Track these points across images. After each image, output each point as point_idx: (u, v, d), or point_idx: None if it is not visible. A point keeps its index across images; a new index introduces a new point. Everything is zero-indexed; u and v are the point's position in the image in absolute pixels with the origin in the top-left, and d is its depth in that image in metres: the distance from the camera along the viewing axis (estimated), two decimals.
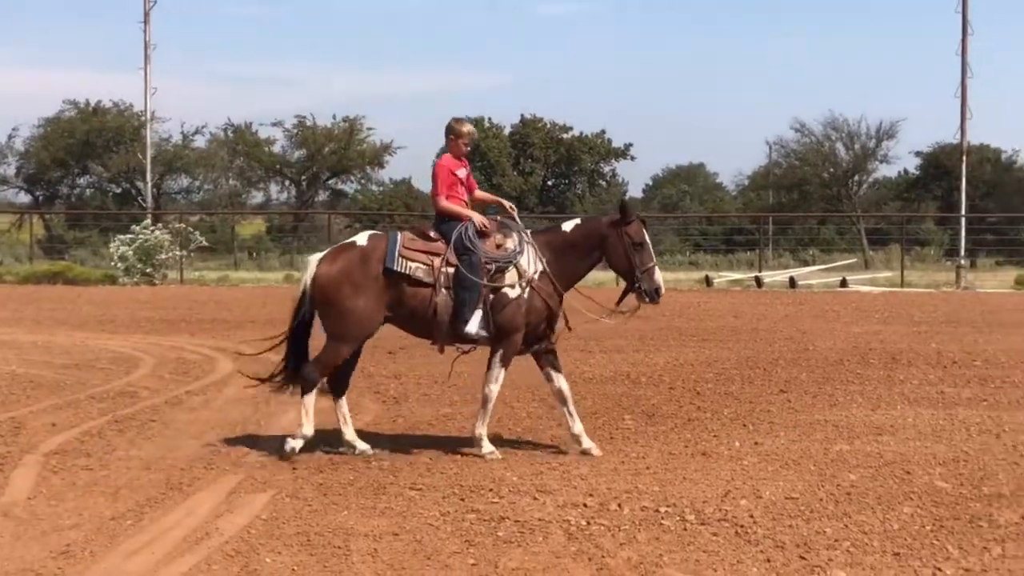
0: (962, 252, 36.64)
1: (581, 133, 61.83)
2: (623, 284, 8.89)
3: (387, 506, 7.01)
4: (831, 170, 61.05)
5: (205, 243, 37.14)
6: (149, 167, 45.75)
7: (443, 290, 8.43)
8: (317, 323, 8.74)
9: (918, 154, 61.03)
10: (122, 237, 32.50)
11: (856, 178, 61.64)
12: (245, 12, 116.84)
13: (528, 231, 8.79)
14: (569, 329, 8.98)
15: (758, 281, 32.04)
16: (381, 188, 60.50)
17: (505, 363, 8.60)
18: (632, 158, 63.50)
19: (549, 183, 62.95)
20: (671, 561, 5.94)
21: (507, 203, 9.18)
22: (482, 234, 8.60)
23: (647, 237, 8.70)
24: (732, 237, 52.04)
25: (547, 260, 8.61)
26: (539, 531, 6.46)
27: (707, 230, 55.62)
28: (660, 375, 12.73)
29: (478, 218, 8.66)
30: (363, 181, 62.82)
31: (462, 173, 8.93)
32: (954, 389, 11.77)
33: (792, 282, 31.87)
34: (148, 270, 31.82)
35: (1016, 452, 8.65)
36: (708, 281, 32.60)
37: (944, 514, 6.84)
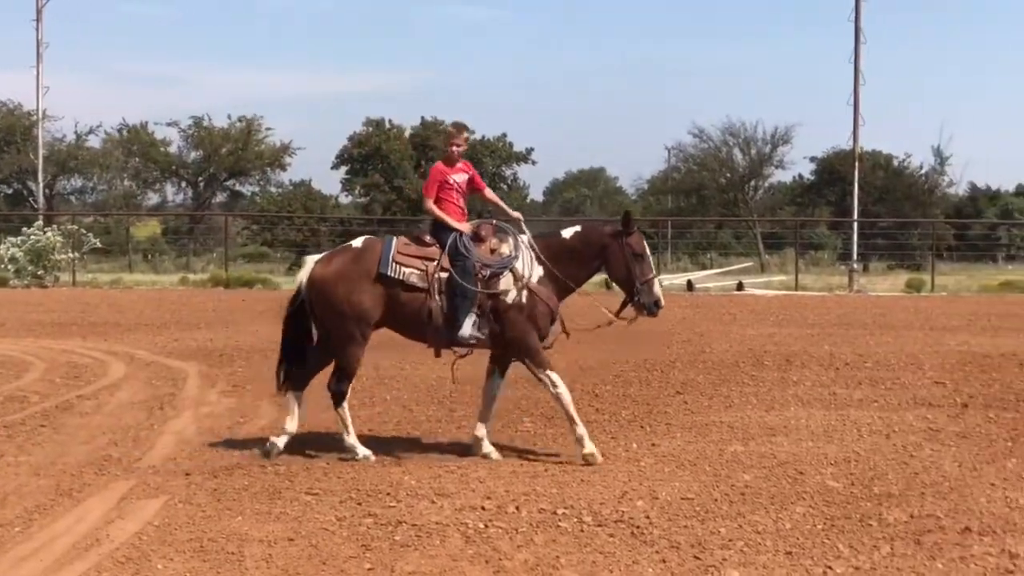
0: (855, 256, 37.39)
1: (483, 136, 61.77)
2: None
3: (282, 511, 6.92)
4: (728, 175, 61.96)
5: (99, 245, 36.54)
6: (41, 167, 44.70)
7: (438, 295, 8.41)
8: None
9: (812, 160, 62.20)
10: (12, 239, 31.84)
11: (753, 183, 62.67)
12: (141, 11, 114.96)
13: (527, 235, 8.75)
14: (567, 335, 8.95)
15: None
16: (280, 190, 59.80)
17: (543, 366, 8.46)
18: (533, 162, 63.60)
19: None
20: (568, 563, 5.95)
21: (514, 213, 9.21)
22: (477, 239, 8.59)
23: (647, 249, 8.72)
24: None
25: (546, 265, 8.60)
26: (436, 534, 6.43)
27: None
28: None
29: (466, 228, 8.60)
30: (262, 183, 62.14)
31: (459, 178, 8.84)
32: (846, 390, 12.00)
33: (690, 285, 32.27)
34: (39, 272, 31.19)
35: (905, 452, 8.84)
36: (608, 284, 32.81)
37: (835, 513, 6.96)
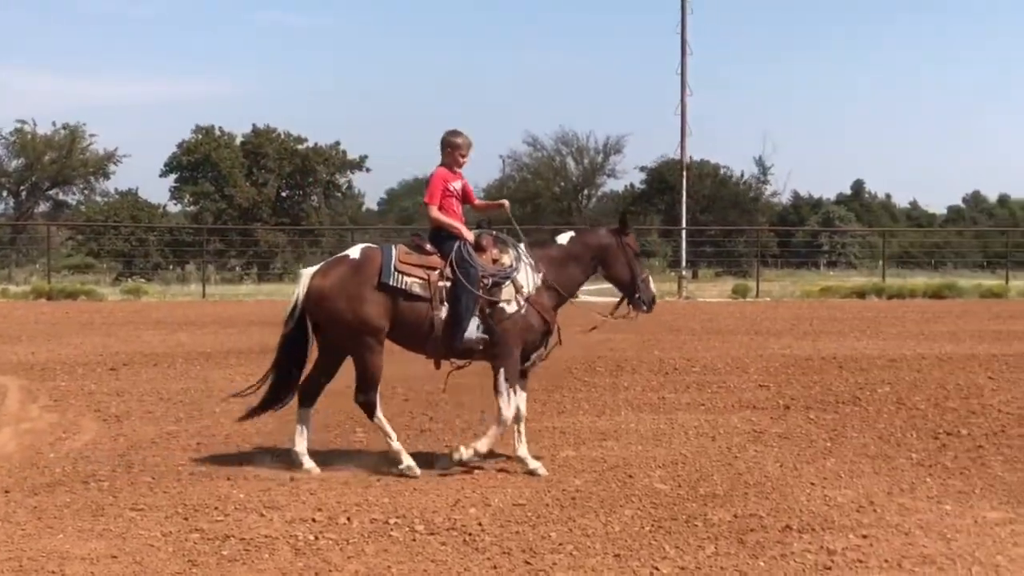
0: (683, 263, 38.27)
1: (316, 144, 61.23)
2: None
3: (105, 528, 6.72)
4: (562, 184, 62.76)
5: None
6: None
7: (441, 304, 8.27)
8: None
9: (643, 169, 63.50)
10: None
11: (586, 192, 63.63)
12: None
13: (523, 246, 8.76)
14: (560, 343, 8.96)
15: None
16: (106, 199, 58.17)
17: (511, 381, 8.39)
18: (368, 170, 63.28)
19: (283, 194, 61.98)
20: (399, 572, 5.93)
21: (505, 203, 9.38)
22: (478, 249, 8.50)
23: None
24: None
25: (546, 273, 8.59)
26: (265, 548, 6.32)
27: None
28: (394, 387, 12.67)
29: (469, 235, 8.53)
30: (86, 192, 60.36)
31: (457, 185, 8.76)
32: (674, 395, 12.27)
33: None
34: None
35: (730, 454, 9.08)
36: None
37: (662, 515, 7.09)
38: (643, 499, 7.49)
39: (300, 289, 8.38)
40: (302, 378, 8.59)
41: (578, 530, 6.72)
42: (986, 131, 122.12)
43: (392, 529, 6.71)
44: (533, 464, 8.35)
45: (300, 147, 61.07)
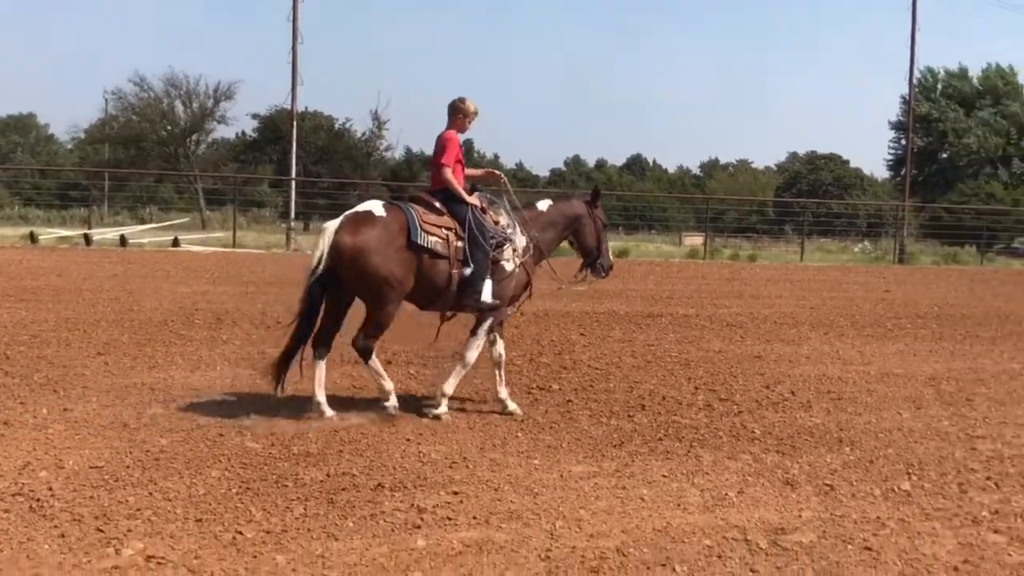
0: (292, 215, 37.79)
1: None
2: None
3: None
4: (170, 127, 60.53)
5: None
6: None
7: (458, 263, 8.64)
8: None
9: (255, 117, 62.33)
10: None
11: (195, 137, 61.69)
12: None
13: (513, 205, 9.22)
14: (530, 296, 9.47)
15: (87, 239, 30.88)
16: None
17: (489, 331, 9.01)
18: None
19: None
20: None
21: (498, 172, 9.57)
22: (482, 211, 8.91)
23: None
24: (67, 192, 49.90)
25: (529, 235, 9.16)
26: None
27: (40, 184, 52.91)
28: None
29: (475, 200, 8.89)
30: None
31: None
32: (276, 349, 11.90)
33: (123, 240, 31.09)
34: None
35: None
36: (33, 237, 30.86)
37: (251, 475, 6.82)
38: (232, 459, 7.18)
39: (324, 244, 8.38)
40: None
41: (159, 493, 6.33)
42: (588, 99, 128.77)
43: None
44: (512, 406, 9.07)
45: None
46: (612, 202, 61.11)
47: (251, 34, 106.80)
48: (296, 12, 38.53)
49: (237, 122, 65.07)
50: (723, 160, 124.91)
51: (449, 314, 9.27)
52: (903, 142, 71.98)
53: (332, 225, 8.54)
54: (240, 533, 5.71)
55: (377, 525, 6.00)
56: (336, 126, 63.52)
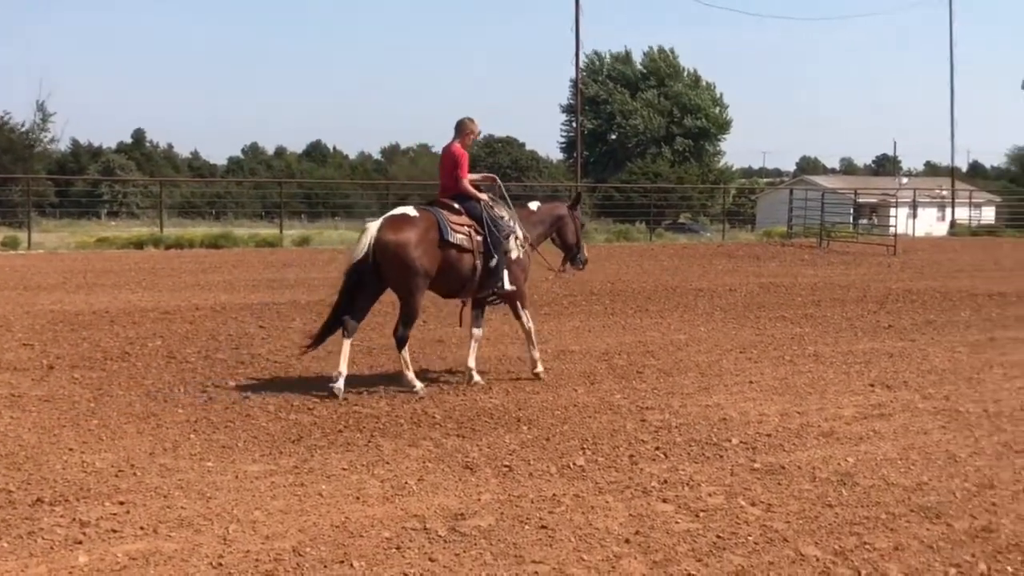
0: None
1: None
2: None
3: None
4: None
5: None
6: None
7: (480, 255, 10.04)
8: None
9: None
10: None
11: None
12: None
13: (508, 203, 10.65)
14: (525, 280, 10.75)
15: None
16: None
17: (526, 306, 10.67)
18: None
19: None
20: None
21: (493, 176, 11.27)
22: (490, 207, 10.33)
23: None
24: None
25: (524, 229, 10.61)
26: None
27: None
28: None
29: (485, 198, 10.33)
30: None
31: None
32: None
33: None
34: None
35: None
36: None
37: None
38: None
39: (369, 240, 9.64)
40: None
41: None
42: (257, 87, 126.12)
43: None
44: (476, 377, 10.29)
45: None
46: (293, 189, 60.33)
47: None
48: None
49: None
50: (404, 145, 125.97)
51: (498, 302, 10.66)
52: (574, 124, 74.60)
53: (375, 225, 9.80)
54: None
55: (35, 543, 5.63)
56: None
